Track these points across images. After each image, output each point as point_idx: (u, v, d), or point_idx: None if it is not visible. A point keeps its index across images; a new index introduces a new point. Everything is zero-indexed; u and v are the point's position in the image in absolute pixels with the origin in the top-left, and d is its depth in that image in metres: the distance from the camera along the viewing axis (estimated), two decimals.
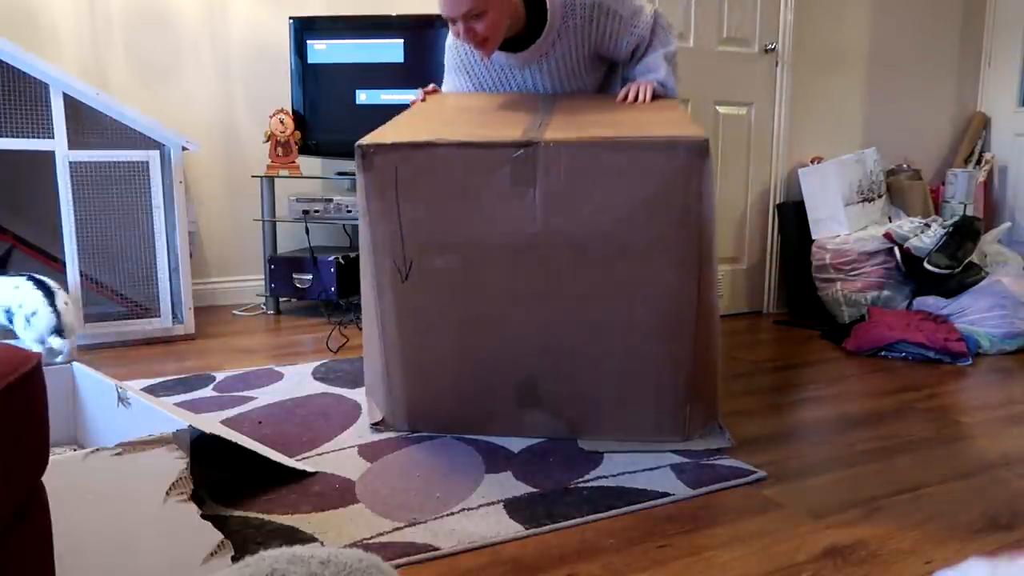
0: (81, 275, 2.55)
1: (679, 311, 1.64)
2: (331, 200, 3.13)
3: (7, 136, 2.42)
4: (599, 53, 2.05)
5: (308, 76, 3.18)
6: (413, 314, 1.73)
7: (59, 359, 2.17)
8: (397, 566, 1.21)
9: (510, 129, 1.69)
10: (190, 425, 1.28)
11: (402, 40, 3.09)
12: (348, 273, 3.13)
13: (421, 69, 3.06)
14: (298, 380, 2.22)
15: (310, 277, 3.09)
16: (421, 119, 1.82)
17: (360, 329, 2.70)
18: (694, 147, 1.56)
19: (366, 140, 1.64)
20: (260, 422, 1.86)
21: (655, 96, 1.99)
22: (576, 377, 1.71)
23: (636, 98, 1.96)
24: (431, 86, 2.13)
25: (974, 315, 2.74)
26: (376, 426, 1.81)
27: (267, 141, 3.13)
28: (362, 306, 1.81)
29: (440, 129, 1.68)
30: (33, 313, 2.18)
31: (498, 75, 2.10)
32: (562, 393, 1.73)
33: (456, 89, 2.17)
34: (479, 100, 2.02)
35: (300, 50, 3.16)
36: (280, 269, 3.13)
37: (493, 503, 1.44)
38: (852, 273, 3.07)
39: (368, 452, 1.68)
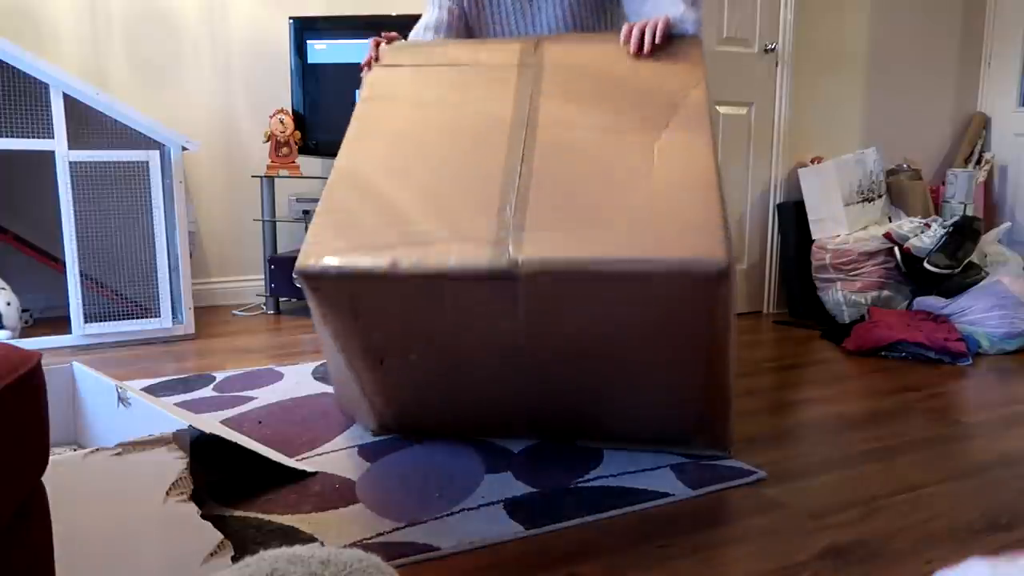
0: (81, 275, 2.55)
1: (684, 391, 1.50)
2: None
3: (7, 136, 2.42)
4: None
5: (308, 76, 3.18)
6: (392, 387, 1.60)
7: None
8: (397, 566, 1.21)
9: (481, 218, 1.36)
10: (190, 425, 1.28)
11: (402, 40, 3.08)
12: None
13: None
14: (298, 380, 2.22)
15: None
16: (368, 197, 1.45)
17: None
18: (712, 275, 1.24)
19: (309, 261, 1.36)
20: (260, 422, 1.86)
21: (667, 38, 1.63)
22: (576, 421, 1.68)
23: (641, 45, 1.63)
24: (384, 35, 1.86)
25: (974, 315, 2.74)
26: (375, 432, 1.80)
27: (267, 141, 3.13)
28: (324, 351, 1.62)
29: (396, 231, 1.38)
30: None
31: None
32: (563, 428, 1.71)
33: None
34: (441, 113, 1.58)
35: (300, 50, 3.16)
36: (280, 269, 3.12)
37: (493, 503, 1.44)
38: (852, 273, 3.07)
39: (368, 452, 1.68)
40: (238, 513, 1.37)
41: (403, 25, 3.10)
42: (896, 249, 3.03)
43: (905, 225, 3.05)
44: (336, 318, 1.45)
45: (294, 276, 1.40)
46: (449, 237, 1.35)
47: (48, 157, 2.54)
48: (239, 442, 1.48)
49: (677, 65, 1.56)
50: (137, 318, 2.66)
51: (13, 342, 2.30)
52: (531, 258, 1.29)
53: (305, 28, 3.15)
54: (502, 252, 1.31)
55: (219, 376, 2.25)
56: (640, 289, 1.28)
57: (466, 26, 1.99)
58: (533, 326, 1.40)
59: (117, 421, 1.55)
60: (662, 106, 1.49)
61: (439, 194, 1.43)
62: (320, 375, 2.27)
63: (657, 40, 1.61)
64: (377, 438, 1.76)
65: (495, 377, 1.55)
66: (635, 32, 1.63)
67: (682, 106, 1.48)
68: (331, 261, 1.36)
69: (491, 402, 1.64)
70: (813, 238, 3.26)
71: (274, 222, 3.19)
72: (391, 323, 1.45)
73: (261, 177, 3.13)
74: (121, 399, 1.53)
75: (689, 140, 1.42)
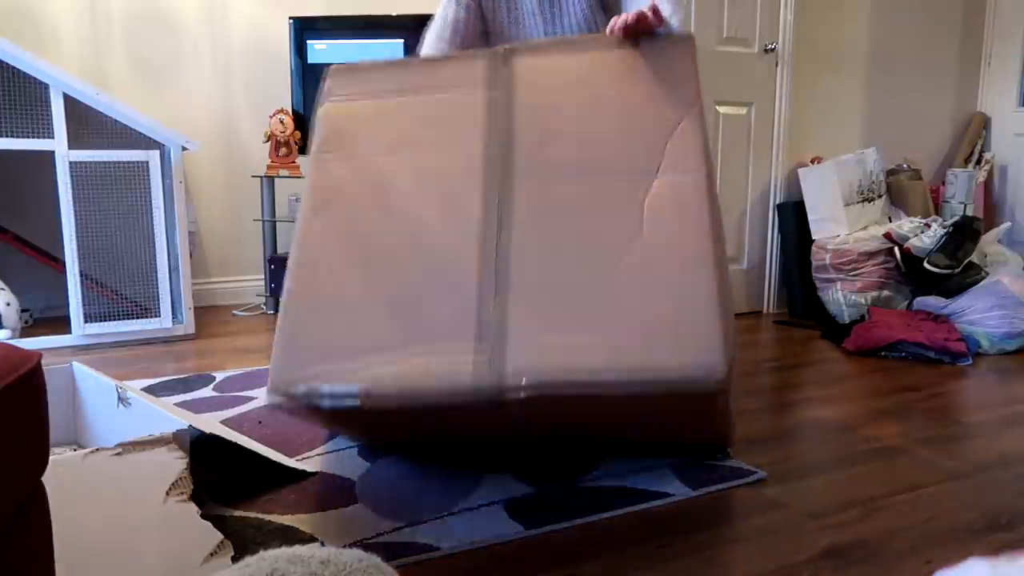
0: (81, 275, 2.55)
1: (684, 430, 1.55)
2: None
3: (7, 136, 2.42)
4: None
5: (308, 76, 3.18)
6: (376, 437, 1.61)
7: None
8: (397, 566, 1.21)
9: (459, 312, 1.25)
10: (190, 425, 1.28)
11: (402, 40, 3.09)
12: None
13: None
14: None
15: None
16: (333, 299, 1.35)
17: None
18: (711, 388, 1.17)
19: (277, 390, 1.26)
20: (260, 422, 1.86)
21: (652, 30, 1.47)
22: (574, 445, 1.69)
23: (625, 27, 1.48)
24: None
25: (974, 315, 2.74)
26: None
27: (267, 141, 3.13)
28: None
29: (366, 338, 1.27)
30: None
31: None
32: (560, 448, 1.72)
33: None
34: (405, 165, 1.40)
35: (300, 50, 3.16)
36: (280, 269, 3.12)
37: (493, 503, 1.44)
38: (852, 273, 3.07)
39: (368, 452, 1.68)
40: (238, 513, 1.37)
41: (403, 25, 3.11)
42: (896, 249, 3.03)
43: (905, 225, 3.05)
44: (313, 419, 1.46)
45: (269, 392, 1.30)
46: (426, 346, 1.25)
47: (48, 157, 2.54)
48: (239, 442, 1.48)
49: (667, 82, 1.39)
50: (137, 318, 2.66)
51: (13, 342, 2.30)
52: (515, 382, 1.21)
53: (305, 28, 3.15)
54: (485, 368, 1.23)
55: (219, 376, 2.25)
56: (634, 395, 1.23)
57: (482, 26, 1.90)
58: (527, 419, 1.38)
59: (117, 421, 1.55)
60: (652, 143, 1.34)
61: (410, 283, 1.31)
62: None
63: (631, 22, 1.46)
64: None
65: (487, 433, 1.55)
66: (620, 20, 1.50)
67: (674, 143, 1.33)
68: (300, 390, 1.27)
69: (482, 447, 1.65)
70: (813, 238, 3.26)
71: (274, 222, 3.19)
72: (372, 426, 1.46)
73: (261, 177, 3.13)
74: (121, 399, 1.53)
75: (682, 193, 1.29)
